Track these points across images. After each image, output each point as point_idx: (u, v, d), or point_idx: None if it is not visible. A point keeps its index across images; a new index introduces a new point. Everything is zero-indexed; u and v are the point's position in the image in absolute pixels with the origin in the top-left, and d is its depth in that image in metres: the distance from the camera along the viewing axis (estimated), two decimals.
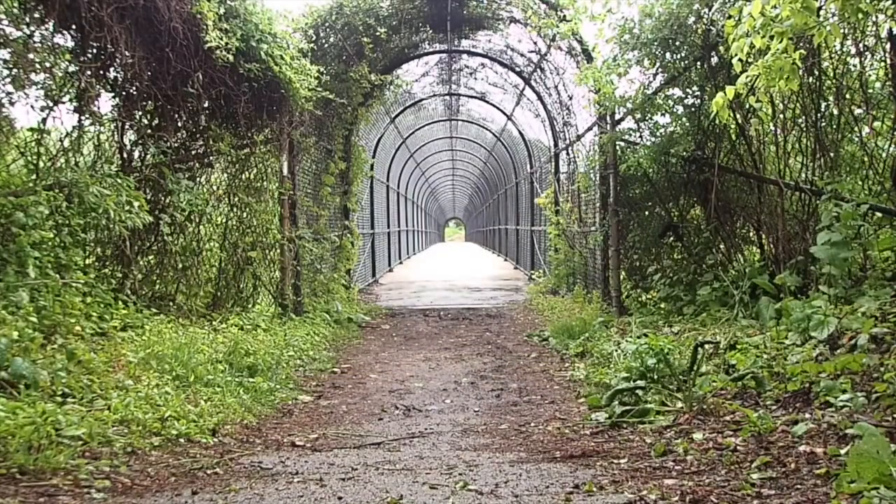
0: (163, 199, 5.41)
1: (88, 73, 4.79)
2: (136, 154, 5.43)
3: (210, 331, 5.10)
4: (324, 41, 7.95)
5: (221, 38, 5.16)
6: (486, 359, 6.03)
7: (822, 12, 3.72)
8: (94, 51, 4.85)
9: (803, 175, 5.40)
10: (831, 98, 5.20)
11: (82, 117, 4.83)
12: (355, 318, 8.12)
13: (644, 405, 3.63)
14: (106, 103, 5.31)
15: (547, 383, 5.00)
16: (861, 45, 4.93)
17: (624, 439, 3.31)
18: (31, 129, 4.55)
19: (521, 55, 9.95)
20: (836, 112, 5.19)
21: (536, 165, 13.39)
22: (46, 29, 4.49)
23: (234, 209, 6.49)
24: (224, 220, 6.41)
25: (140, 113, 5.39)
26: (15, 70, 4.25)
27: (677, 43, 5.97)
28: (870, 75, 5.12)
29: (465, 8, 8.76)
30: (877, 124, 5.11)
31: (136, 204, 4.54)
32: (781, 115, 5.53)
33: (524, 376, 5.27)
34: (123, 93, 5.29)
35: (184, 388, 3.89)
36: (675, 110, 6.49)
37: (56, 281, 3.90)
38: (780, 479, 2.50)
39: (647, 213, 7.18)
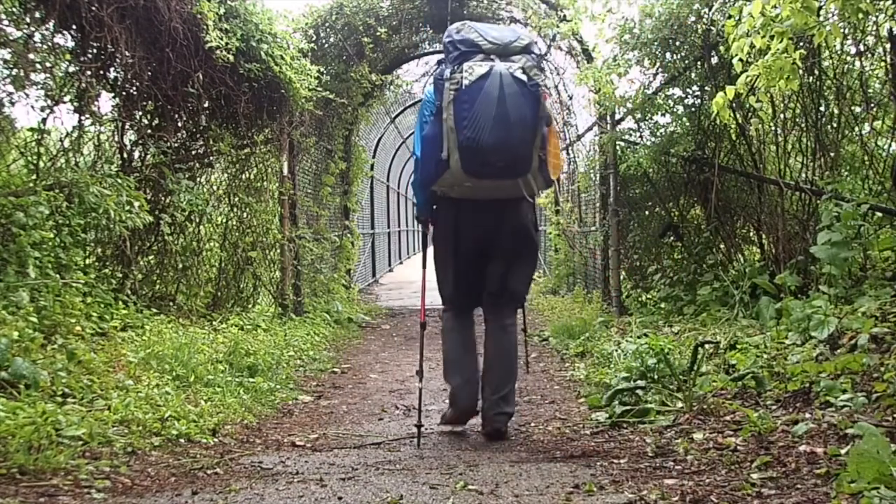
0: (163, 199, 5.41)
1: (88, 73, 4.80)
2: (136, 154, 5.43)
3: (210, 331, 5.10)
4: (324, 41, 7.95)
5: (222, 38, 5.16)
6: None
7: (822, 12, 3.72)
8: (94, 51, 4.85)
9: (803, 175, 5.40)
10: (831, 98, 5.20)
11: (82, 117, 4.83)
12: (355, 318, 8.12)
13: (644, 405, 3.63)
14: (106, 103, 5.32)
15: (547, 383, 5.00)
16: (861, 45, 4.93)
17: (624, 439, 3.30)
18: (31, 129, 4.54)
19: None
20: (836, 112, 5.19)
21: None
22: (47, 29, 4.49)
23: (234, 209, 6.49)
24: (224, 220, 6.41)
25: (140, 113, 5.39)
26: (15, 70, 4.25)
27: (677, 43, 5.97)
28: (870, 75, 5.12)
29: (466, 8, 8.76)
30: (877, 124, 5.11)
31: (136, 204, 4.54)
32: (781, 115, 5.53)
33: (524, 376, 5.27)
34: (123, 93, 5.29)
35: (184, 388, 3.89)
36: (675, 110, 6.49)
37: (56, 281, 3.90)
38: (780, 479, 2.50)
39: (647, 213, 7.18)
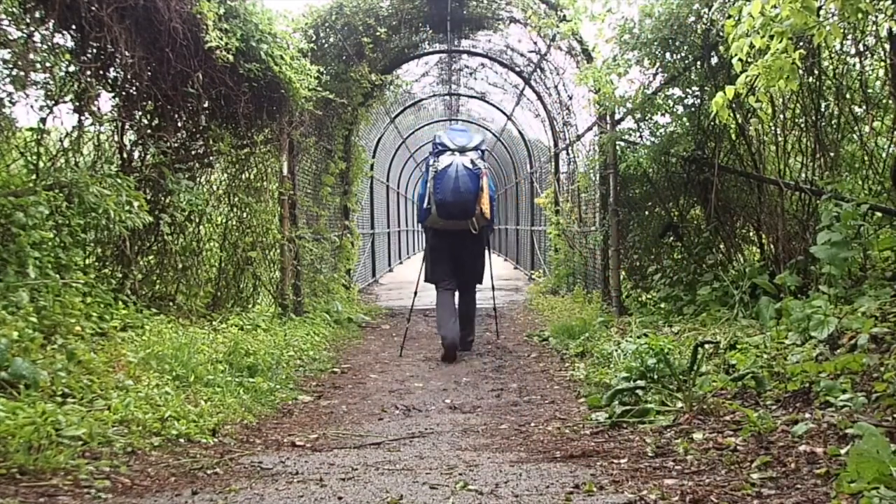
0: (163, 199, 5.41)
1: (88, 73, 4.79)
2: (136, 154, 5.42)
3: (210, 331, 5.10)
4: (324, 41, 7.95)
5: (221, 38, 5.16)
6: (486, 359, 6.03)
7: (822, 12, 3.72)
8: (94, 51, 4.85)
9: (803, 175, 5.40)
10: (831, 98, 5.20)
11: (82, 117, 4.83)
12: (355, 318, 8.12)
13: (644, 405, 3.63)
14: (106, 103, 5.32)
15: (547, 383, 5.00)
16: (861, 45, 4.93)
17: (624, 439, 3.31)
18: (31, 129, 4.54)
19: (521, 55, 9.94)
20: (836, 112, 5.19)
21: (536, 165, 13.38)
22: (46, 29, 4.49)
23: (234, 209, 6.49)
24: (224, 220, 6.41)
25: (140, 113, 5.39)
26: (15, 70, 4.25)
27: (677, 43, 5.97)
28: (870, 75, 5.11)
29: (465, 8, 8.76)
30: (877, 124, 5.11)
31: (136, 204, 4.54)
32: (781, 115, 5.53)
33: (524, 376, 5.28)
34: (123, 93, 5.29)
35: (184, 388, 3.89)
36: (675, 110, 6.48)
37: (56, 281, 3.90)
38: (780, 479, 2.50)
39: (647, 213, 7.18)
